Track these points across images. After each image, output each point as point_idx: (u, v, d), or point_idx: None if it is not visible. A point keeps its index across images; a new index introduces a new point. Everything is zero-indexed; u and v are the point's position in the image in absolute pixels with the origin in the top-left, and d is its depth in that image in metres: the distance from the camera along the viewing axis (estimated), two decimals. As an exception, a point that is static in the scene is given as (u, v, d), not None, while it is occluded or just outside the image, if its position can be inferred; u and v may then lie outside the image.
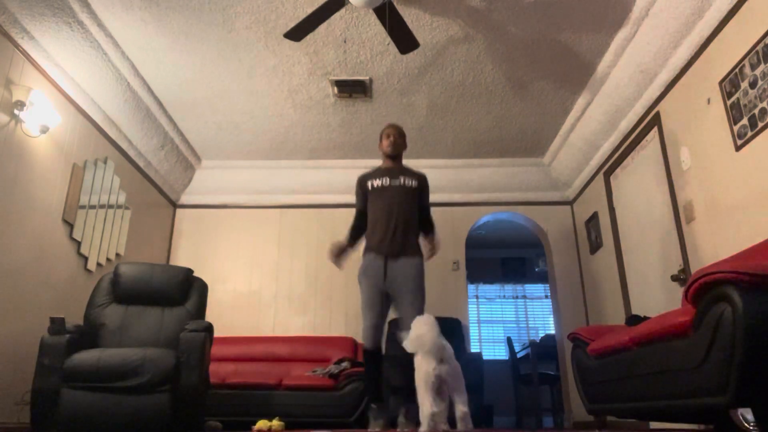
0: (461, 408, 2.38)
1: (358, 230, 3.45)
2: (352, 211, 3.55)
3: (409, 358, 3.03)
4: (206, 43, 3.93)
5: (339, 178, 5.71)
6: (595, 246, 5.13)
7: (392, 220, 3.23)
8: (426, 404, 2.30)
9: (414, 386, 2.48)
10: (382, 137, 3.45)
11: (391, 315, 3.31)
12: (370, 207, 3.35)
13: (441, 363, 2.41)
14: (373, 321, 3.14)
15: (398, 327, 3.09)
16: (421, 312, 3.09)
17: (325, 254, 5.51)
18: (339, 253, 3.39)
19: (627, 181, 4.53)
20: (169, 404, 2.94)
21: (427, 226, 3.47)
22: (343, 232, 3.58)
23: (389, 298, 3.22)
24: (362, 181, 3.43)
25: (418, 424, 2.49)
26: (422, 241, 3.41)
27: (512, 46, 3.95)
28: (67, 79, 3.88)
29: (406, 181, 3.34)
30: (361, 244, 3.44)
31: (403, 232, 3.23)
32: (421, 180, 3.41)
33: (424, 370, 2.39)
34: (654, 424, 3.82)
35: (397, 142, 3.41)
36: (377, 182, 3.35)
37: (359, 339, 3.90)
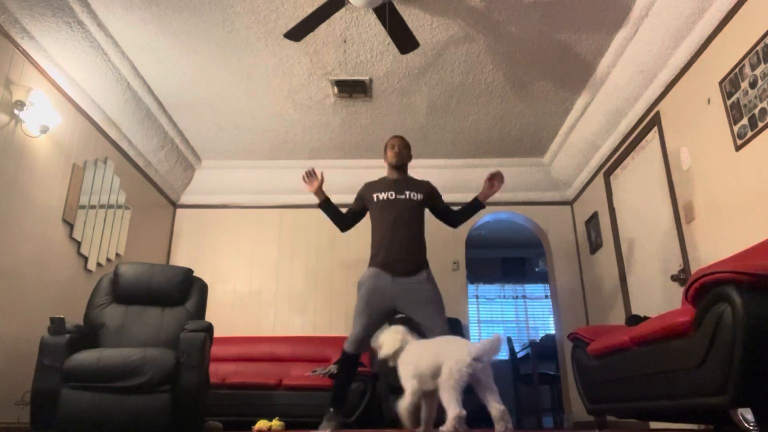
0: (498, 406, 2.11)
1: (342, 218, 3.47)
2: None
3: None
4: (206, 43, 3.93)
5: (339, 178, 5.69)
6: (595, 246, 5.12)
7: (398, 237, 3.16)
8: (453, 404, 2.05)
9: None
10: (386, 148, 3.43)
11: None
12: (374, 221, 3.29)
13: (475, 359, 2.15)
14: (360, 334, 3.05)
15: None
16: (445, 324, 3.04)
17: (324, 254, 5.57)
18: (318, 184, 3.40)
19: (627, 181, 4.53)
20: (169, 404, 2.94)
21: (456, 215, 3.43)
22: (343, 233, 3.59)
23: (387, 315, 3.14)
24: (367, 189, 3.39)
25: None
26: (475, 211, 3.44)
27: (512, 46, 3.95)
28: (67, 79, 3.88)
29: (412, 195, 3.29)
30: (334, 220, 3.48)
31: (409, 249, 3.16)
32: (427, 188, 3.38)
33: (454, 366, 2.11)
34: (654, 424, 3.82)
35: (401, 153, 3.38)
36: (383, 195, 3.29)
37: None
